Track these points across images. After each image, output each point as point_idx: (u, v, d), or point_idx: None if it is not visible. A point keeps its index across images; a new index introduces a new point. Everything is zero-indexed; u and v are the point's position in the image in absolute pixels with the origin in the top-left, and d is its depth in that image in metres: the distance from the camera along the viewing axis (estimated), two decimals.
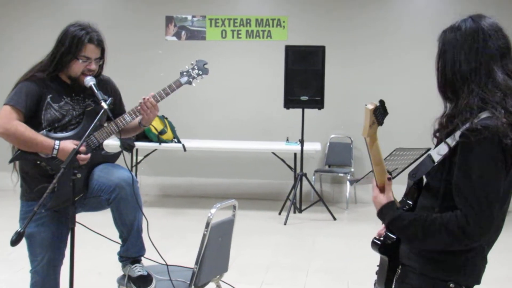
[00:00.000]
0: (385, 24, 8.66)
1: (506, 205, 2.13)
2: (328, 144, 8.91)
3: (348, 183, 8.71)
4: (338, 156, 8.87)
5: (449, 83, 2.12)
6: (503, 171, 2.00)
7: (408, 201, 2.24)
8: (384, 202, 2.19)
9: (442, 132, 2.16)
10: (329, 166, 8.94)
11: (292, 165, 8.15)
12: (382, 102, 2.09)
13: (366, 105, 2.06)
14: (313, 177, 8.66)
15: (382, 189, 2.23)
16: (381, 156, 2.20)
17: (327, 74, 7.74)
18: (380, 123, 2.10)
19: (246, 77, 9.07)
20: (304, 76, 7.70)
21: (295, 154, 8.08)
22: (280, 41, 8.76)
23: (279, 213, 7.88)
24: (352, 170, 8.72)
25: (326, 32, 8.78)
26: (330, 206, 7.86)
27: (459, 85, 2.09)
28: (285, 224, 7.36)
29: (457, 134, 2.03)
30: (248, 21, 9.02)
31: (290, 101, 7.76)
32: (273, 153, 8.22)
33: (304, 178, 7.82)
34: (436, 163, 2.11)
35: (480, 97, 2.04)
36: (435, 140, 2.25)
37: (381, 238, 2.31)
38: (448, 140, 2.08)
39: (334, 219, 7.63)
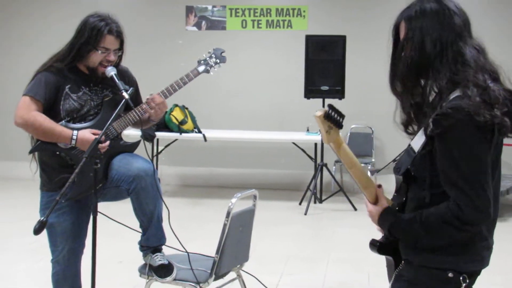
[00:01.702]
0: None
1: (497, 181, 2.07)
2: (348, 134, 8.87)
3: (369, 173, 8.65)
4: (359, 146, 8.82)
5: (415, 68, 2.06)
6: (484, 148, 1.95)
7: (400, 197, 2.19)
8: (380, 211, 2.16)
9: (413, 124, 2.12)
10: None
11: (313, 155, 8.12)
12: (331, 106, 2.05)
13: (316, 111, 2.03)
14: (334, 167, 8.63)
15: (364, 186, 2.19)
16: (353, 158, 2.17)
17: (347, 64, 7.71)
18: (339, 126, 2.07)
19: (266, 67, 9.05)
20: (325, 66, 7.67)
21: (315, 144, 8.06)
22: (300, 30, 8.72)
23: (300, 203, 7.87)
24: (373, 160, 8.68)
25: (346, 21, 8.72)
26: (350, 197, 7.82)
27: (424, 69, 2.04)
28: (305, 214, 7.35)
29: (430, 120, 1.98)
30: (269, 10, 8.99)
31: (311, 91, 7.73)
32: (294, 143, 8.20)
33: (324, 168, 7.80)
34: (417, 153, 2.07)
35: (448, 78, 1.99)
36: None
37: (379, 239, 2.26)
38: (424, 128, 2.03)
39: (355, 209, 7.61)
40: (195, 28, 9.18)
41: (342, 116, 2.07)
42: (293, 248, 5.92)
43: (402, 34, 2.13)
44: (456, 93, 1.97)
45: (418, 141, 2.07)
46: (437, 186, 2.01)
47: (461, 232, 1.97)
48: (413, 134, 2.19)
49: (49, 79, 3.20)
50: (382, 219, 2.15)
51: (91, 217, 3.00)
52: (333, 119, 2.05)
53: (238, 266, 3.59)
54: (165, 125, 7.85)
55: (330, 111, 2.04)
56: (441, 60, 2.01)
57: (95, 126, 3.24)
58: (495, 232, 2.13)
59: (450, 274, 2.04)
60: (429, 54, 2.02)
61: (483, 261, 2.09)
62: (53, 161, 3.26)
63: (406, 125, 2.20)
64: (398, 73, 2.13)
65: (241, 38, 9.03)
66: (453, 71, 2.00)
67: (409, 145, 2.12)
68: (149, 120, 3.40)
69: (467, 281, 2.06)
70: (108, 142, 3.17)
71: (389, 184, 2.19)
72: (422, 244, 2.09)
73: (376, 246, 2.26)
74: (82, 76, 3.30)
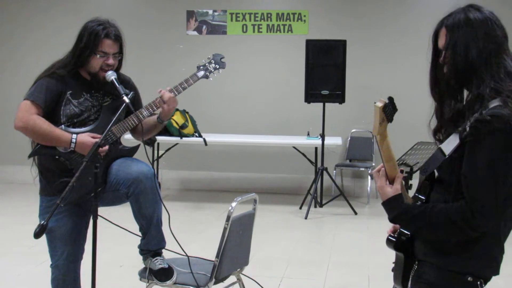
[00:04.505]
0: (407, 18, 8.59)
1: None
2: (349, 138, 8.88)
3: (369, 177, 8.68)
4: (359, 151, 8.83)
5: (459, 74, 2.09)
6: (511, 160, 1.96)
7: (420, 196, 2.21)
8: (391, 194, 2.16)
9: (449, 129, 2.13)
10: (350, 161, 8.91)
11: (313, 160, 8.13)
12: (391, 99, 2.07)
13: (375, 102, 2.05)
14: (334, 171, 8.63)
15: (391, 180, 2.19)
16: (392, 153, 2.19)
17: (348, 68, 7.71)
18: (390, 120, 2.08)
19: (267, 71, 9.07)
20: (325, 70, 7.66)
21: (316, 148, 8.06)
22: (301, 35, 8.73)
23: (300, 208, 7.88)
24: (373, 164, 8.67)
25: (347, 26, 8.73)
26: (351, 201, 7.84)
27: (469, 77, 2.07)
28: (305, 218, 7.35)
29: (467, 125, 2.00)
30: (269, 15, 9.01)
31: (311, 96, 7.74)
32: (294, 147, 8.21)
33: (325, 172, 7.80)
34: (447, 156, 2.08)
35: (491, 87, 2.01)
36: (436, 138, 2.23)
37: (396, 235, 2.29)
38: (459, 131, 2.05)
39: (355, 213, 7.61)
40: (195, 33, 9.19)
41: (396, 110, 2.09)
42: (293, 252, 5.92)
43: (441, 41, 2.16)
44: (496, 102, 2.00)
45: (450, 144, 2.09)
46: (462, 192, 2.02)
47: (463, 235, 2.01)
48: (439, 141, 2.21)
49: (50, 85, 3.22)
50: (390, 204, 2.16)
51: (91, 221, 3.01)
52: (389, 112, 2.07)
53: (238, 270, 3.60)
54: (165, 129, 7.85)
55: (389, 104, 2.06)
56: (485, 69, 2.04)
57: (94, 130, 3.24)
58: None
59: (469, 278, 2.08)
60: (474, 62, 2.05)
61: (498, 268, 2.14)
62: (52, 165, 3.26)
63: (436, 131, 2.22)
64: (442, 79, 2.17)
65: (241, 43, 9.04)
66: (496, 80, 2.02)
67: (440, 147, 2.13)
68: (158, 120, 3.40)
69: (483, 286, 2.11)
70: (107, 147, 3.17)
71: None
72: (420, 237, 2.17)
73: (393, 242, 2.29)
74: (84, 82, 3.31)
